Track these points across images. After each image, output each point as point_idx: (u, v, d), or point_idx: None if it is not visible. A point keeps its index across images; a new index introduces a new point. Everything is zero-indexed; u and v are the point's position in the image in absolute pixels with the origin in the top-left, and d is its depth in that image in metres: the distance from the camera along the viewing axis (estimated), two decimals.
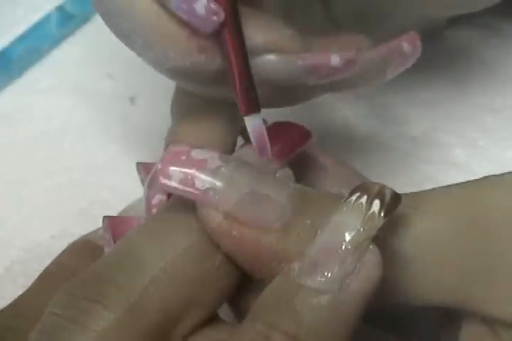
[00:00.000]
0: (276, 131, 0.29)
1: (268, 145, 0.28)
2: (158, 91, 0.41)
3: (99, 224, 0.38)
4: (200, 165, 0.25)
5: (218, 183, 0.25)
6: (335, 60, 0.28)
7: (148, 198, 0.29)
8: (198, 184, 0.25)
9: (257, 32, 0.28)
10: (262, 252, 0.24)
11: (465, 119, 0.41)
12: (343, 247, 0.23)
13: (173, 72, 0.29)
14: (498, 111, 0.40)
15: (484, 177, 0.25)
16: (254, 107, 0.28)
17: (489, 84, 0.42)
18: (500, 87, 0.41)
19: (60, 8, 0.47)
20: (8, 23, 0.47)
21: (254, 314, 0.23)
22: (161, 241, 0.25)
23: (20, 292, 0.31)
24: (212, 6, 0.26)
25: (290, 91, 0.30)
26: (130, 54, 0.28)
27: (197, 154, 0.25)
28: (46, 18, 0.47)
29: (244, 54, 0.27)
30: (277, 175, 0.28)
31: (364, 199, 0.23)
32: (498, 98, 0.41)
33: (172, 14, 0.27)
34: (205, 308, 0.25)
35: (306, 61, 0.28)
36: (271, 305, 0.23)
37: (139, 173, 0.32)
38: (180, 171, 0.25)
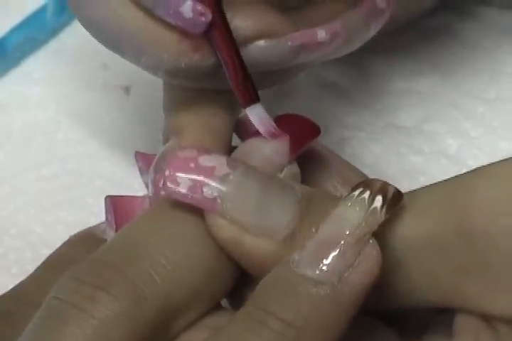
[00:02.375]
0: (285, 124, 0.29)
1: (277, 129, 0.28)
2: (153, 81, 0.41)
3: (94, 213, 0.38)
4: (209, 173, 0.25)
5: (226, 191, 0.25)
6: (321, 34, 0.29)
7: (155, 181, 0.29)
8: (207, 192, 0.25)
9: (246, 22, 0.28)
10: (268, 259, 0.25)
11: (456, 109, 0.41)
12: (344, 240, 0.23)
13: (169, 73, 0.29)
14: (489, 101, 0.41)
15: (472, 170, 0.25)
16: (253, 98, 0.28)
17: (480, 73, 0.42)
18: (492, 76, 0.41)
19: None
20: (4, 13, 0.47)
21: (252, 301, 0.24)
22: (169, 232, 0.25)
23: (14, 280, 0.31)
24: (199, 7, 0.27)
25: (275, 72, 0.30)
26: None
27: (205, 161, 0.25)
28: (42, 8, 0.47)
29: (235, 48, 0.28)
30: (285, 171, 0.28)
31: (367, 194, 0.24)
32: (489, 88, 0.41)
33: (159, 19, 0.27)
34: (209, 301, 0.26)
35: (295, 41, 0.28)
36: (269, 293, 0.24)
37: (137, 162, 0.32)
38: (189, 178, 0.25)
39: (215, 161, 0.25)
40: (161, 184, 0.28)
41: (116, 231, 0.29)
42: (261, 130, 0.28)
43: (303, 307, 0.23)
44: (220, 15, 0.27)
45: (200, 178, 0.25)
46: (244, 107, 0.28)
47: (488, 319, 0.24)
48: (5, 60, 0.46)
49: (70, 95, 0.44)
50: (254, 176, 0.25)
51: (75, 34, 0.47)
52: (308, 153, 0.30)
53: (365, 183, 0.24)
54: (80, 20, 0.29)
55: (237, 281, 0.26)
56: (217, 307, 0.26)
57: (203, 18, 0.27)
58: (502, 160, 0.25)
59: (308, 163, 0.30)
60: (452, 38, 0.43)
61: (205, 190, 0.25)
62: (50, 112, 0.44)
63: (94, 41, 0.46)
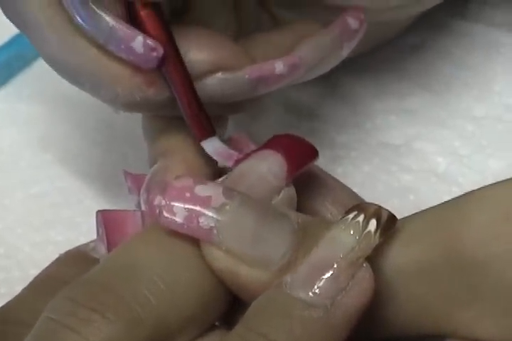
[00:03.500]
0: (281, 144, 0.29)
1: (236, 157, 0.28)
2: None
3: (83, 232, 0.38)
4: (205, 203, 0.25)
5: (223, 222, 0.25)
6: (279, 67, 0.29)
7: (149, 201, 0.29)
8: (203, 222, 0.25)
9: (200, 55, 0.28)
10: (262, 288, 0.24)
11: (446, 127, 0.41)
12: (338, 263, 0.23)
13: (127, 107, 0.30)
14: (478, 119, 0.41)
15: (462, 195, 0.25)
16: (208, 131, 0.28)
17: (469, 91, 0.42)
18: (480, 94, 0.42)
19: None
20: None
21: (244, 322, 0.24)
22: (166, 256, 0.25)
23: (2, 300, 0.31)
24: (150, 42, 0.27)
25: (237, 102, 0.30)
26: None
27: (201, 190, 0.25)
28: None
29: (189, 82, 0.28)
30: (282, 194, 0.28)
31: (361, 218, 0.24)
32: (478, 106, 0.41)
33: (112, 54, 0.28)
34: (202, 324, 0.25)
35: (252, 74, 0.29)
36: (261, 315, 0.23)
37: (126, 181, 0.32)
38: (185, 208, 0.25)
39: (212, 191, 0.25)
40: (155, 203, 0.29)
41: (108, 246, 0.29)
42: (220, 162, 0.28)
43: (295, 330, 0.23)
44: (172, 49, 0.28)
45: (197, 208, 0.25)
46: (199, 141, 0.29)
47: None
48: None
49: (58, 113, 0.44)
50: (251, 206, 0.25)
51: None
52: (305, 176, 0.30)
53: (360, 207, 0.24)
54: (42, 57, 0.31)
55: (230, 304, 0.26)
56: (210, 327, 0.26)
57: (155, 53, 0.27)
58: (491, 184, 0.25)
59: (300, 182, 0.30)
60: (441, 56, 0.43)
61: (201, 220, 0.25)
62: (38, 130, 0.43)
63: None
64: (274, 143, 0.29)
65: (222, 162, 0.29)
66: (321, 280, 0.23)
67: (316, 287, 0.23)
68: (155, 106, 0.29)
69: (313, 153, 0.29)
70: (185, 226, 0.25)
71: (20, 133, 0.43)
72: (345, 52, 0.31)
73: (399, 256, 0.24)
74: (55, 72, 0.46)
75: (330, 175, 0.32)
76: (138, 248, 0.26)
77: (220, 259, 0.25)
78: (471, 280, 0.23)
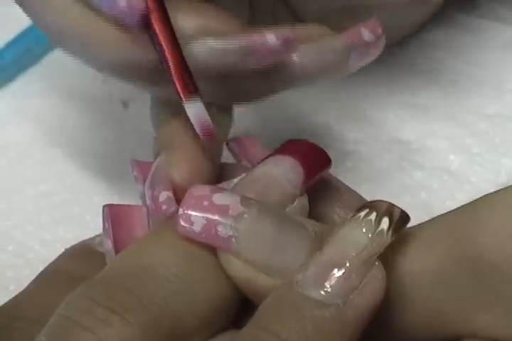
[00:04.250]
0: (297, 151, 0.28)
1: (213, 129, 0.28)
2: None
3: (93, 229, 0.38)
4: (223, 211, 0.25)
5: (241, 231, 0.24)
6: (271, 39, 0.28)
7: (154, 197, 0.29)
8: (221, 231, 0.24)
9: (188, 17, 0.28)
10: None
11: (459, 125, 0.40)
12: (350, 262, 0.23)
13: (116, 72, 0.29)
14: (491, 117, 0.40)
15: (474, 200, 0.25)
16: (192, 90, 0.27)
17: (482, 89, 0.42)
18: (493, 92, 0.41)
19: None
20: (1, 27, 0.47)
21: (255, 321, 0.23)
22: (184, 256, 0.25)
23: (12, 297, 0.30)
24: None
25: (238, 84, 0.30)
26: None
27: (219, 199, 0.25)
28: None
29: (173, 40, 0.27)
30: (296, 202, 0.27)
31: (373, 216, 0.24)
32: (491, 104, 0.41)
33: (98, 13, 0.27)
34: (217, 327, 0.25)
35: (242, 41, 0.27)
36: (272, 314, 0.23)
37: (133, 171, 0.32)
38: (203, 217, 0.25)
39: (229, 199, 0.25)
40: (161, 198, 0.28)
41: (114, 240, 0.28)
42: (196, 126, 0.28)
43: (307, 329, 0.22)
44: (159, 8, 0.27)
45: (215, 217, 0.25)
46: (184, 99, 0.27)
47: None
48: (2, 73, 0.45)
49: (67, 110, 0.44)
50: (269, 215, 0.25)
51: None
52: (318, 183, 0.29)
53: (371, 204, 0.24)
54: (37, 27, 0.30)
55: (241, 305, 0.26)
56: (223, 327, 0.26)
57: (137, 9, 0.26)
58: (504, 188, 0.24)
59: (317, 192, 0.29)
60: (453, 53, 0.43)
61: (219, 229, 0.24)
62: (47, 126, 0.43)
63: None
64: (290, 149, 0.28)
65: (197, 126, 0.28)
66: (332, 279, 0.23)
67: (328, 285, 0.23)
68: (143, 72, 0.28)
69: (327, 161, 0.29)
70: (204, 235, 0.25)
71: (28, 129, 0.43)
72: (353, 65, 0.30)
73: (413, 263, 0.24)
74: (63, 68, 0.47)
75: (338, 179, 0.31)
76: (154, 248, 0.26)
77: (237, 268, 0.25)
78: (490, 284, 0.23)
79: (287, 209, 0.27)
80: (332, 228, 0.25)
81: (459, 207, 0.25)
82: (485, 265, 0.23)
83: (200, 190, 0.25)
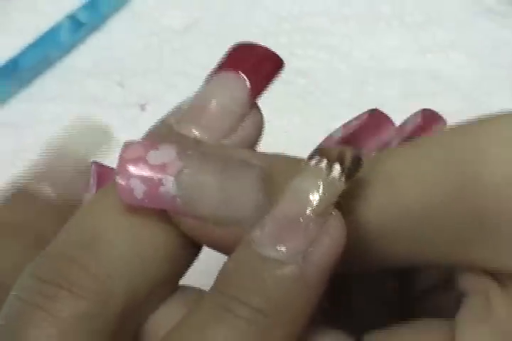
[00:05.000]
0: (242, 61, 0.25)
1: None
2: (169, 98, 0.41)
3: None
4: (161, 172, 0.23)
5: (183, 189, 0.23)
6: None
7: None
8: (163, 193, 0.23)
9: None
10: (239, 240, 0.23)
11: None
12: (305, 214, 0.22)
13: None
14: None
15: (471, 122, 0.22)
16: None
17: (501, 92, 0.41)
18: None
19: (71, 17, 0.47)
20: (18, 32, 0.47)
21: (216, 286, 0.22)
22: (130, 219, 0.24)
23: None
24: None
25: None
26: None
27: (154, 158, 0.23)
28: (57, 27, 0.47)
29: None
30: (245, 122, 0.25)
31: (324, 163, 0.22)
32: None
33: None
34: (173, 285, 0.25)
35: None
36: (232, 278, 0.22)
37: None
38: (141, 182, 0.23)
39: (165, 156, 0.23)
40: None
41: None
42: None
43: (268, 290, 0.21)
44: None
45: (154, 180, 0.23)
46: None
47: (497, 277, 0.22)
48: (18, 78, 0.45)
49: (82, 113, 0.44)
50: (210, 164, 0.23)
51: (90, 52, 0.47)
52: None
53: (322, 152, 0.22)
54: None
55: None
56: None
57: None
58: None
59: None
60: (470, 55, 0.42)
61: (161, 190, 0.23)
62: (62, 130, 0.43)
63: (109, 59, 0.46)
64: (230, 61, 0.25)
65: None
66: (288, 236, 0.21)
67: (285, 243, 0.21)
68: None
69: (278, 62, 0.25)
70: (147, 201, 0.23)
71: (43, 133, 0.43)
72: None
73: (384, 197, 0.22)
74: (79, 73, 0.47)
75: None
76: (99, 213, 0.24)
77: (191, 225, 0.23)
78: (485, 219, 0.21)
79: (239, 133, 0.25)
80: (280, 162, 0.24)
81: (435, 133, 0.23)
82: (489, 201, 0.21)
83: (133, 152, 0.23)
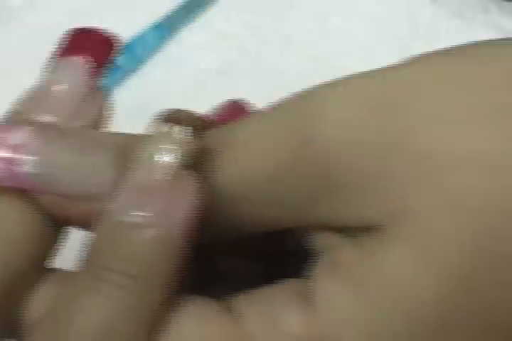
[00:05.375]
0: (78, 44, 0.27)
1: None
2: None
3: None
4: (17, 151, 0.23)
5: (41, 168, 0.23)
6: None
7: None
8: (21, 173, 0.23)
9: None
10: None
11: None
12: (158, 178, 0.22)
13: None
14: None
15: (303, 92, 0.23)
16: None
17: None
18: None
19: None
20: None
21: (86, 261, 0.23)
22: None
23: None
24: None
25: None
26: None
27: (11, 140, 0.23)
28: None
29: None
30: (95, 98, 0.26)
31: (167, 127, 0.22)
32: None
33: None
34: (39, 270, 0.25)
35: None
36: (99, 249, 0.22)
37: None
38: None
39: (21, 137, 0.24)
40: None
41: None
42: None
43: (136, 255, 0.22)
44: None
45: (10, 158, 0.23)
46: None
47: (347, 233, 0.23)
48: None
49: None
50: (65, 142, 0.23)
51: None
52: None
53: (167, 117, 0.23)
54: None
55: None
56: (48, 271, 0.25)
57: None
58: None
59: None
60: None
61: (18, 170, 0.23)
62: None
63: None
64: (67, 47, 0.26)
65: None
66: (145, 200, 0.22)
67: (142, 207, 0.22)
68: None
69: (112, 42, 0.27)
70: (5, 181, 0.24)
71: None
72: None
73: (231, 164, 0.23)
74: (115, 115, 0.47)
75: None
76: None
77: (52, 204, 0.24)
78: (330, 176, 0.22)
79: (85, 115, 0.26)
80: (130, 136, 0.24)
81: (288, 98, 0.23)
82: (329, 164, 0.22)
83: None
